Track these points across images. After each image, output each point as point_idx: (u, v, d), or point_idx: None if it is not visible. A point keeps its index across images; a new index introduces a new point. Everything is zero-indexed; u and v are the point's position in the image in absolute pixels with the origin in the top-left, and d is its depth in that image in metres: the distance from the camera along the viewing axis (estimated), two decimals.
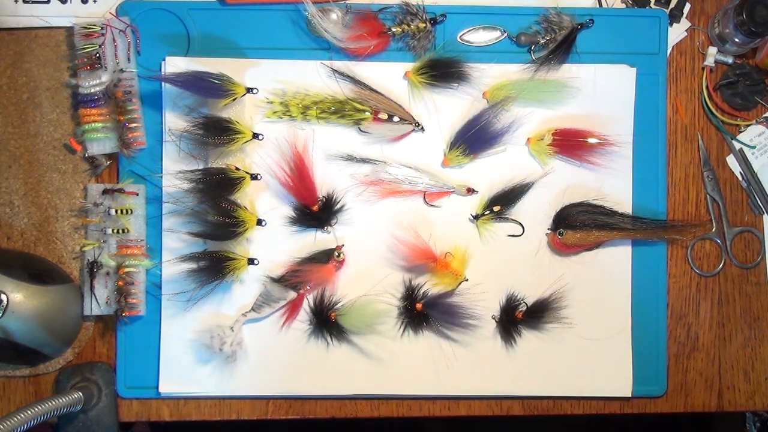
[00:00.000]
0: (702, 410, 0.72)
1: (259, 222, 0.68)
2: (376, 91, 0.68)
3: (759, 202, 0.72)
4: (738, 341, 0.72)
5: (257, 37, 0.69)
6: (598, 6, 0.72)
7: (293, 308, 0.68)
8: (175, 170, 0.67)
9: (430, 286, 0.69)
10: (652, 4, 0.72)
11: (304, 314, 0.69)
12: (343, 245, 0.68)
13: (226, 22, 0.69)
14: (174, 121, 0.68)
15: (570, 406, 0.71)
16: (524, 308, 0.69)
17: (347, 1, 0.69)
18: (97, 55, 0.67)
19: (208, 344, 0.67)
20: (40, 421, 0.58)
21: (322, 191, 0.68)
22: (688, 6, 0.72)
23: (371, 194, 0.69)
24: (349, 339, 0.68)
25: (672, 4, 0.72)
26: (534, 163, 0.70)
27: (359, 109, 0.68)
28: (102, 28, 0.67)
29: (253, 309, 0.68)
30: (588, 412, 0.71)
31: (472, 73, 0.69)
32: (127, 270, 0.66)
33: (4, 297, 0.63)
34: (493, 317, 0.69)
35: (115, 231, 0.67)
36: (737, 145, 0.72)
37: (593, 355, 0.69)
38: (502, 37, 0.70)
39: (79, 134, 0.68)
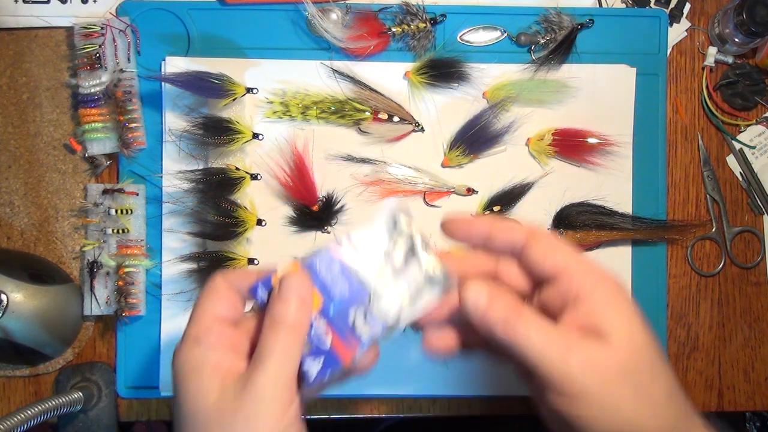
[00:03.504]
0: (702, 410, 0.72)
1: (259, 222, 0.68)
2: (376, 91, 0.68)
3: (759, 202, 0.72)
4: (738, 341, 0.72)
5: (257, 37, 0.69)
6: (598, 6, 0.72)
7: None
8: (175, 170, 0.67)
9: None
10: (652, 4, 0.72)
11: None
12: None
13: (226, 22, 0.69)
14: (174, 121, 0.68)
15: None
16: None
17: (347, 1, 0.69)
18: (97, 55, 0.67)
19: None
20: (40, 421, 0.58)
21: (322, 191, 0.68)
22: (688, 6, 0.72)
23: (371, 194, 0.69)
24: None
25: (672, 4, 0.72)
26: (534, 163, 0.70)
27: (359, 109, 0.68)
28: (102, 28, 0.67)
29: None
30: None
31: (472, 73, 0.69)
32: (127, 270, 0.67)
33: (4, 297, 0.63)
34: None
35: (115, 231, 0.67)
36: (737, 145, 0.72)
37: None
38: (502, 37, 0.70)
39: (79, 134, 0.68)
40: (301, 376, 0.45)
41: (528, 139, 0.69)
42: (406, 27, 0.68)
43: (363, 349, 0.47)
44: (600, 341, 0.43)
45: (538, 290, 0.47)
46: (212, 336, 0.44)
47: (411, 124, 0.68)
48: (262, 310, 0.46)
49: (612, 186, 0.70)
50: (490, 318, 0.44)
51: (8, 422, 0.55)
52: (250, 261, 0.68)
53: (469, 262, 0.49)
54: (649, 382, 0.43)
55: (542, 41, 0.69)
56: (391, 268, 0.47)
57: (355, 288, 0.47)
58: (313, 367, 0.45)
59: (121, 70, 0.67)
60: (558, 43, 0.68)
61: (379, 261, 0.47)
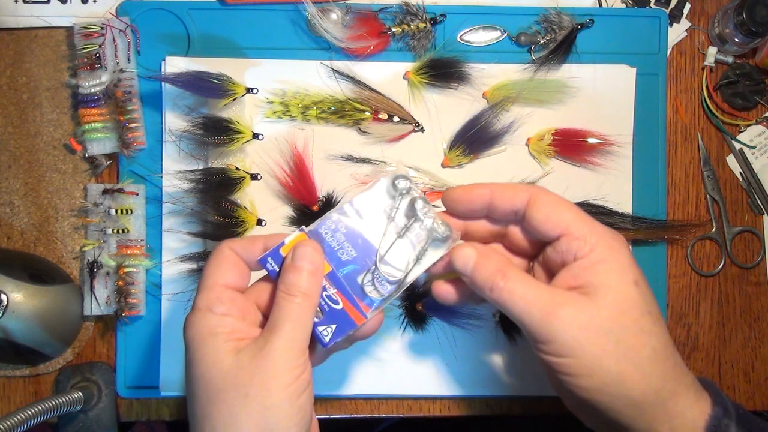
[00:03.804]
0: None
1: (259, 222, 0.68)
2: (376, 91, 0.68)
3: (759, 202, 0.72)
4: (738, 341, 0.72)
5: (257, 37, 0.69)
6: (598, 6, 0.72)
7: None
8: (175, 170, 0.67)
9: (431, 285, 0.68)
10: (652, 4, 0.72)
11: None
12: None
13: (226, 22, 0.69)
14: (174, 121, 0.68)
15: None
16: None
17: (347, 1, 0.69)
18: (97, 55, 0.67)
19: None
20: (40, 421, 0.58)
21: (322, 191, 0.68)
22: (688, 6, 0.72)
23: None
24: None
25: (672, 4, 0.72)
26: (534, 163, 0.70)
27: (359, 109, 0.68)
28: (102, 28, 0.67)
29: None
30: None
31: (472, 73, 0.69)
32: (127, 270, 0.67)
33: (4, 297, 0.63)
34: (494, 315, 0.69)
35: (115, 231, 0.67)
36: (737, 145, 0.72)
37: None
38: (502, 37, 0.70)
39: (79, 134, 0.68)
40: (317, 341, 0.48)
41: (528, 139, 0.69)
42: (406, 27, 0.68)
43: (374, 310, 0.48)
44: (586, 299, 0.44)
45: (543, 250, 0.49)
46: (224, 304, 0.46)
47: (411, 124, 0.68)
48: (273, 280, 0.48)
49: (612, 186, 0.70)
50: (477, 280, 0.47)
51: (8, 422, 0.55)
52: None
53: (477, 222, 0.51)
54: (634, 341, 0.44)
55: (542, 41, 0.69)
56: (394, 229, 0.49)
57: (361, 251, 0.48)
58: (328, 332, 0.47)
59: (121, 70, 0.67)
60: (558, 43, 0.68)
61: (383, 223, 0.49)
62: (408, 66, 0.69)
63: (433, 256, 0.50)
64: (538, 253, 0.50)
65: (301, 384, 0.44)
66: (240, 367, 0.43)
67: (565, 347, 0.43)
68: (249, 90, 0.68)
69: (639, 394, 0.44)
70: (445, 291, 0.52)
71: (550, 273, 0.48)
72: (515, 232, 0.50)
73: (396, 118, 0.68)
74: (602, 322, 0.43)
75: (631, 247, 0.70)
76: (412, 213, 0.49)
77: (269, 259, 0.48)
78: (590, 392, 0.44)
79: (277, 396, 0.43)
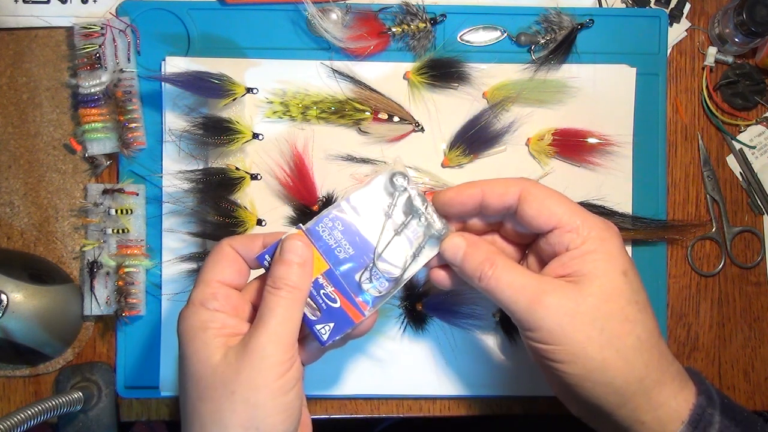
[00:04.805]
0: None
1: (259, 222, 0.68)
2: (376, 91, 0.68)
3: (759, 202, 0.72)
4: (738, 341, 0.72)
5: (257, 37, 0.69)
6: (598, 6, 0.72)
7: None
8: (175, 170, 0.67)
9: (430, 285, 0.69)
10: (652, 4, 0.72)
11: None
12: None
13: (226, 22, 0.69)
14: (174, 121, 0.68)
15: None
16: None
17: (347, 1, 0.69)
18: (97, 55, 0.67)
19: None
20: (40, 421, 0.58)
21: (322, 191, 0.69)
22: (688, 6, 0.72)
23: None
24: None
25: (672, 4, 0.72)
26: (534, 163, 0.70)
27: (359, 109, 0.68)
28: (102, 28, 0.67)
29: None
30: None
31: (472, 73, 0.69)
32: (127, 270, 0.67)
33: (4, 297, 0.63)
34: (494, 316, 0.69)
35: (115, 231, 0.67)
36: (737, 145, 0.72)
37: None
38: (502, 37, 0.70)
39: (79, 134, 0.69)
40: (315, 339, 0.48)
41: (528, 139, 0.69)
42: (406, 27, 0.68)
43: (372, 307, 0.48)
44: (573, 286, 0.45)
45: (537, 240, 0.50)
46: (218, 300, 0.46)
47: (411, 124, 0.68)
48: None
49: (612, 186, 0.70)
50: (466, 269, 0.48)
51: (8, 422, 0.55)
52: None
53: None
54: (619, 329, 0.45)
55: (542, 41, 0.69)
56: (392, 226, 0.49)
57: (358, 249, 0.48)
58: (325, 330, 0.47)
59: (121, 70, 0.67)
60: (558, 43, 0.68)
61: (380, 220, 0.49)
62: (408, 66, 0.69)
63: (430, 252, 0.50)
64: (533, 242, 0.51)
65: (289, 381, 0.43)
66: (227, 363, 0.43)
67: (551, 334, 0.44)
68: (249, 90, 0.68)
69: (622, 382, 0.44)
70: (441, 277, 0.52)
71: (543, 263, 0.49)
72: (509, 224, 0.51)
73: (396, 118, 0.68)
74: (588, 309, 0.44)
75: (631, 247, 0.70)
76: (409, 210, 0.49)
77: (266, 256, 0.48)
78: (574, 379, 0.44)
79: (263, 393, 0.42)
